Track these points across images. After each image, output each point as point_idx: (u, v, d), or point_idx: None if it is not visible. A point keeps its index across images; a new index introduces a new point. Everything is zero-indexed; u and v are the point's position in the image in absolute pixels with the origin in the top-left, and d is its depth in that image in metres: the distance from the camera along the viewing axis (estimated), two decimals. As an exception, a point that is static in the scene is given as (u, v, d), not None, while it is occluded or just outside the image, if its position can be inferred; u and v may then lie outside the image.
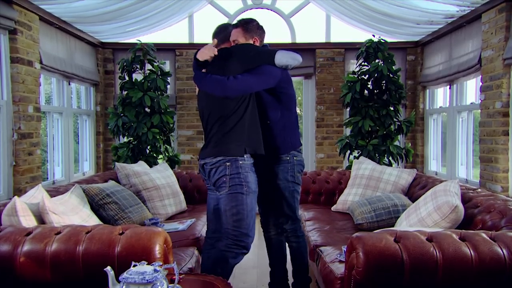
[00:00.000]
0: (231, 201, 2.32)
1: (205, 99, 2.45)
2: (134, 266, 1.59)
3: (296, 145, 2.60)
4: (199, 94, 2.54)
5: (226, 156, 2.31)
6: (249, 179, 2.34)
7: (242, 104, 2.35)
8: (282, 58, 2.39)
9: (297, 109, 2.73)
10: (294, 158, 2.57)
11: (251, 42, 2.54)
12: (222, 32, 2.54)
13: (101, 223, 2.62)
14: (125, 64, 4.60)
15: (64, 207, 2.35)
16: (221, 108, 2.35)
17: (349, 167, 4.57)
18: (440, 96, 5.42)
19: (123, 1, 4.45)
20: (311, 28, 5.79)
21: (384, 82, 4.55)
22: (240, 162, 2.32)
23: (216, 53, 2.35)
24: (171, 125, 4.74)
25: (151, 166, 3.99)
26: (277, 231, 2.78)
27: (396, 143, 4.68)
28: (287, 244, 2.77)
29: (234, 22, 2.58)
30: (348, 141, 4.66)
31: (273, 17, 5.64)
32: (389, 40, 4.78)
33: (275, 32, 5.58)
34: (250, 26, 2.54)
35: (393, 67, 4.53)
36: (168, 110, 4.67)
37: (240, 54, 2.39)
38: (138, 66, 4.64)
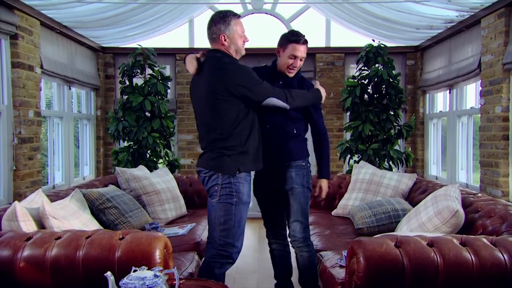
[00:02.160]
0: (220, 210, 2.28)
1: (197, 110, 2.40)
2: (134, 271, 1.59)
3: (308, 154, 2.68)
4: (193, 100, 2.46)
5: (219, 173, 2.28)
6: (241, 189, 2.29)
7: (238, 127, 2.28)
8: (269, 102, 2.32)
9: None
10: (308, 164, 2.65)
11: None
12: (210, 27, 2.34)
13: (101, 227, 2.62)
14: (125, 68, 4.61)
15: (64, 211, 2.35)
16: (216, 130, 2.28)
17: (349, 172, 4.57)
18: (440, 100, 5.43)
19: (124, 6, 4.47)
20: (311, 33, 5.80)
21: (384, 86, 4.55)
22: (241, 167, 2.29)
23: (195, 67, 2.34)
24: (171, 130, 4.75)
25: (151, 171, 3.99)
26: (283, 242, 2.75)
27: (396, 147, 4.68)
28: (295, 255, 2.69)
29: (301, 39, 2.54)
30: (348, 145, 4.66)
31: (273, 22, 5.66)
32: (388, 44, 4.80)
33: (275, 37, 5.58)
34: None
35: (393, 71, 4.54)
36: (168, 114, 4.68)
37: (235, 78, 2.25)
38: (139, 71, 4.65)
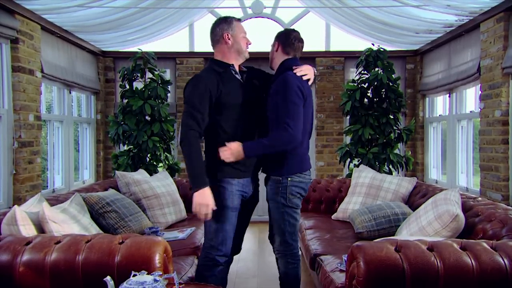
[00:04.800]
0: None
1: None
2: (134, 275, 1.58)
3: (294, 170, 2.38)
4: None
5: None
6: (224, 193, 2.29)
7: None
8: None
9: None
10: (288, 179, 2.36)
11: None
12: (213, 30, 2.41)
13: (101, 232, 2.62)
14: (125, 72, 4.62)
15: (64, 215, 2.35)
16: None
17: (349, 175, 4.57)
18: (440, 104, 5.44)
19: (124, 10, 4.48)
20: (311, 37, 5.81)
21: (383, 90, 4.56)
22: (219, 174, 2.30)
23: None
24: (172, 133, 4.75)
25: (151, 175, 3.99)
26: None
27: (396, 151, 4.69)
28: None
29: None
30: (348, 149, 4.66)
31: (273, 26, 5.68)
32: (388, 48, 4.81)
33: (275, 41, 5.60)
34: None
35: (393, 75, 4.55)
36: (168, 118, 4.68)
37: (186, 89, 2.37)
38: (139, 75, 4.66)
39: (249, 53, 2.45)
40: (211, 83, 2.27)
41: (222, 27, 2.34)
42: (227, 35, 2.34)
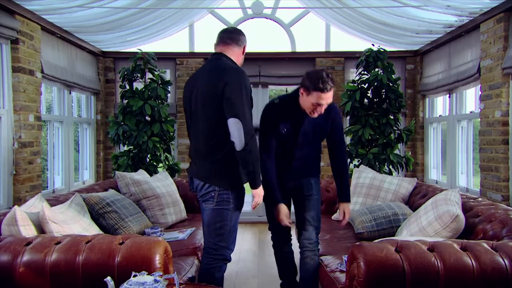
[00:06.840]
0: (216, 216, 2.30)
1: (193, 115, 2.36)
2: (134, 276, 1.58)
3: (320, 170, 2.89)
4: (188, 101, 2.40)
5: (211, 184, 2.29)
6: (240, 196, 2.34)
7: (227, 143, 2.22)
8: (233, 124, 2.18)
9: None
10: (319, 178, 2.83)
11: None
12: (239, 34, 2.46)
13: (101, 232, 2.62)
14: (125, 73, 4.62)
15: (64, 216, 2.35)
16: (214, 138, 2.26)
17: (349, 176, 4.57)
18: (440, 104, 5.44)
19: (124, 11, 4.49)
20: (311, 37, 5.82)
21: (383, 91, 4.56)
22: (242, 179, 2.30)
23: None
24: (172, 134, 4.75)
25: (151, 175, 3.99)
26: (290, 243, 2.84)
27: (396, 151, 4.69)
28: (303, 259, 2.64)
29: (327, 87, 2.36)
30: (348, 149, 4.66)
31: (273, 26, 5.67)
32: (388, 49, 4.81)
33: (275, 42, 5.61)
34: None
35: (393, 76, 4.55)
36: (168, 118, 4.68)
37: (230, 83, 2.22)
38: (139, 75, 4.66)
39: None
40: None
41: (244, 40, 2.47)
42: (245, 47, 2.48)
